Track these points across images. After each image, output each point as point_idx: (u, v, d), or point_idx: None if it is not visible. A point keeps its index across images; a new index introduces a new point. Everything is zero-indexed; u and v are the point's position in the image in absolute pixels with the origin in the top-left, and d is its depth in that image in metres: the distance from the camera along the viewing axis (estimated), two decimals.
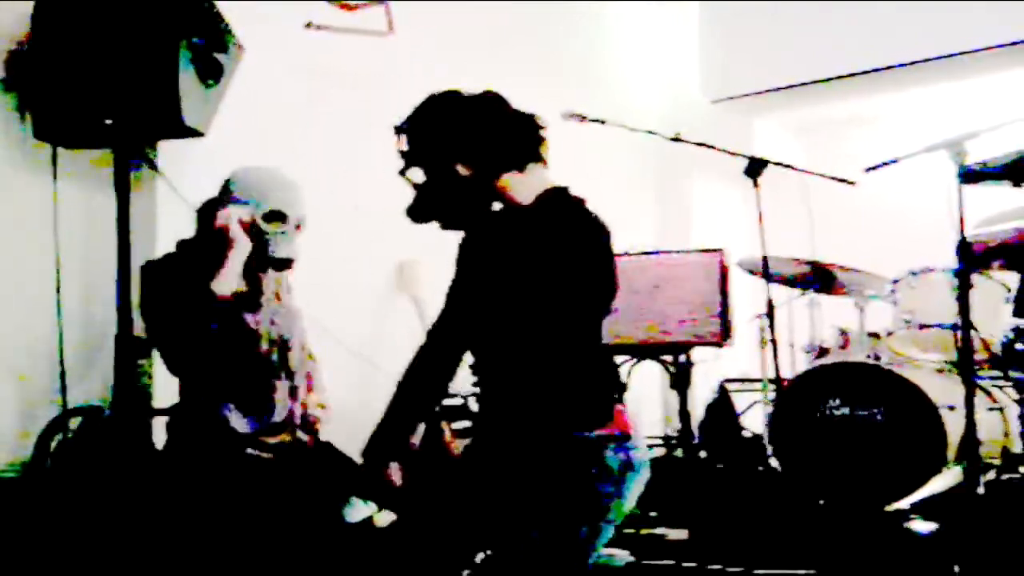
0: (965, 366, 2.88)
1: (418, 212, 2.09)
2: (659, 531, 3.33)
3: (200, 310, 2.37)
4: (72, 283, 3.03)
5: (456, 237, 2.02)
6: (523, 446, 1.94)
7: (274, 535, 2.33)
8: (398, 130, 2.09)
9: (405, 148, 2.08)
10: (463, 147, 2.01)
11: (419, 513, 2.01)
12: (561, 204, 2.02)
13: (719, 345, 4.15)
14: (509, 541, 1.91)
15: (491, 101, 2.06)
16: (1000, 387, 3.71)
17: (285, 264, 2.59)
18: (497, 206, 2.05)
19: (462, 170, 2.01)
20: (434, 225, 2.12)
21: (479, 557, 2.00)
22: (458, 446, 3.60)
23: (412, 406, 2.04)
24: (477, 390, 2.10)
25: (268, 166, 2.61)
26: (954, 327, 3.49)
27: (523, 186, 2.01)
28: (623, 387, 2.09)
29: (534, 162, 2.05)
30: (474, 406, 3.76)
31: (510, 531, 1.91)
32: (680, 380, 4.35)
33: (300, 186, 2.61)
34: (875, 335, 3.87)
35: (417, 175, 2.07)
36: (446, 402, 3.73)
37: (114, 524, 2.46)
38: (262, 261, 2.55)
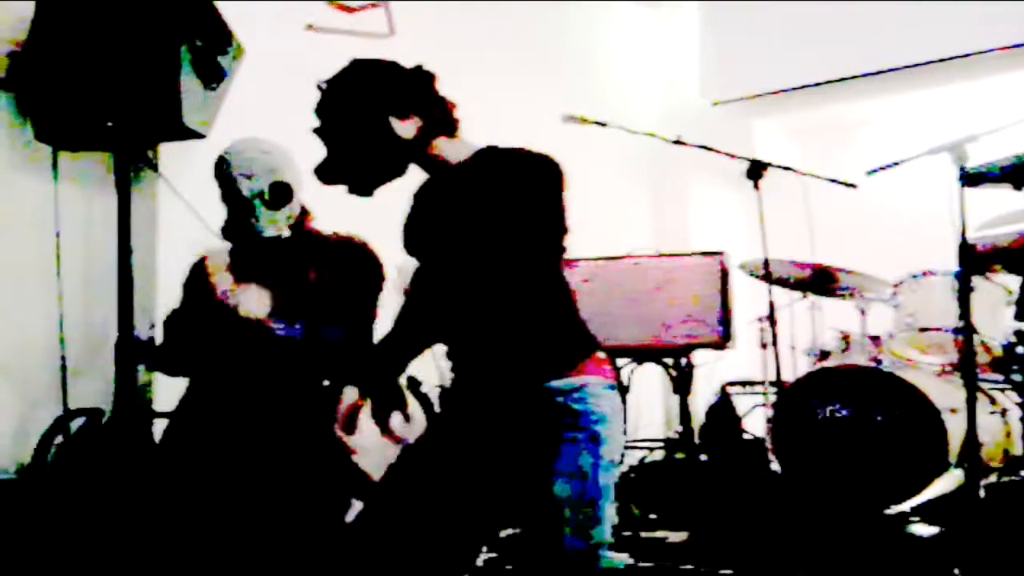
0: (966, 369, 2.88)
1: (330, 172, 2.01)
2: (659, 534, 3.33)
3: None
4: (73, 285, 3.02)
5: None
6: (509, 401, 1.91)
7: (274, 535, 2.33)
8: (321, 87, 2.02)
9: (331, 103, 2.00)
10: (407, 102, 1.97)
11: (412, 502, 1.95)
12: (503, 154, 1.97)
13: (720, 348, 4.15)
14: (530, 506, 1.87)
15: (427, 72, 2.04)
16: (1001, 390, 3.71)
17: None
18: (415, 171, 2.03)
19: (400, 129, 1.96)
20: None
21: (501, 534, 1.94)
22: None
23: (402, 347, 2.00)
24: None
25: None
26: (955, 330, 3.49)
27: (454, 149, 2.00)
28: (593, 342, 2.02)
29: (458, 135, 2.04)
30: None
31: (528, 494, 1.87)
32: (681, 383, 4.34)
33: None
34: (876, 338, 3.87)
35: (334, 136, 2.00)
36: None
37: (114, 525, 2.46)
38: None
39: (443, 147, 2.00)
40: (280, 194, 2.58)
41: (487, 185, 1.89)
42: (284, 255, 2.59)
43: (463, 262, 1.88)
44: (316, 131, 2.01)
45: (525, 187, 1.87)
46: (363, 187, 2.02)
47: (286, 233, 2.61)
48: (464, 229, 1.87)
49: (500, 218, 1.84)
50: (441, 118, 2.01)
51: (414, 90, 1.99)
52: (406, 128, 1.97)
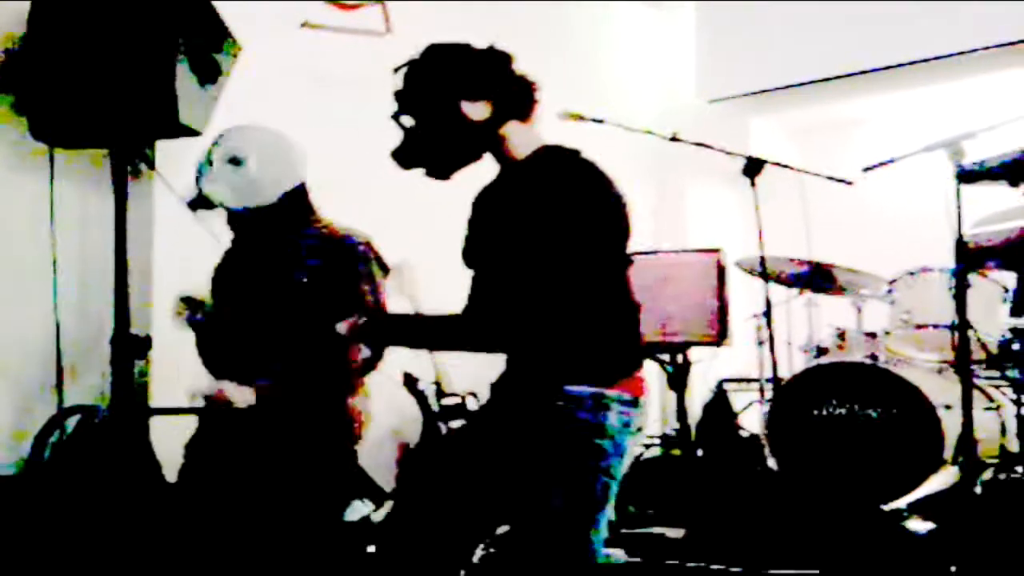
0: (962, 366, 2.88)
1: (407, 156, 2.02)
2: (656, 530, 3.33)
3: None
4: (69, 282, 3.02)
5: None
6: (535, 404, 1.90)
7: (273, 533, 2.33)
8: (399, 70, 2.03)
9: (406, 88, 2.01)
10: (476, 85, 1.96)
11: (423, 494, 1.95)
12: (565, 157, 1.97)
13: (717, 345, 4.15)
14: (525, 507, 1.86)
15: (501, 52, 2.03)
16: (997, 386, 3.72)
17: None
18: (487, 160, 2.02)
19: (471, 111, 1.95)
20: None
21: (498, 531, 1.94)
22: None
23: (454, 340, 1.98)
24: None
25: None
26: (951, 327, 3.49)
27: (522, 139, 1.98)
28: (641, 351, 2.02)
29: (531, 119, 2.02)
30: (473, 404, 3.76)
31: (525, 496, 1.86)
32: (677, 379, 4.34)
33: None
34: (872, 335, 3.87)
35: (410, 120, 2.01)
36: (445, 402, 3.74)
37: (110, 522, 2.46)
38: None
39: (513, 133, 1.98)
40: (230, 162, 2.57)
41: (544, 191, 1.86)
42: (278, 253, 2.58)
43: (519, 269, 1.85)
44: (393, 116, 2.02)
45: (582, 195, 1.88)
46: (439, 171, 2.02)
47: (239, 203, 2.58)
48: (521, 234, 1.85)
49: (556, 225, 1.83)
50: (514, 101, 1.99)
51: (485, 72, 1.98)
52: (476, 110, 1.95)
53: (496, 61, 2.01)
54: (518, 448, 1.89)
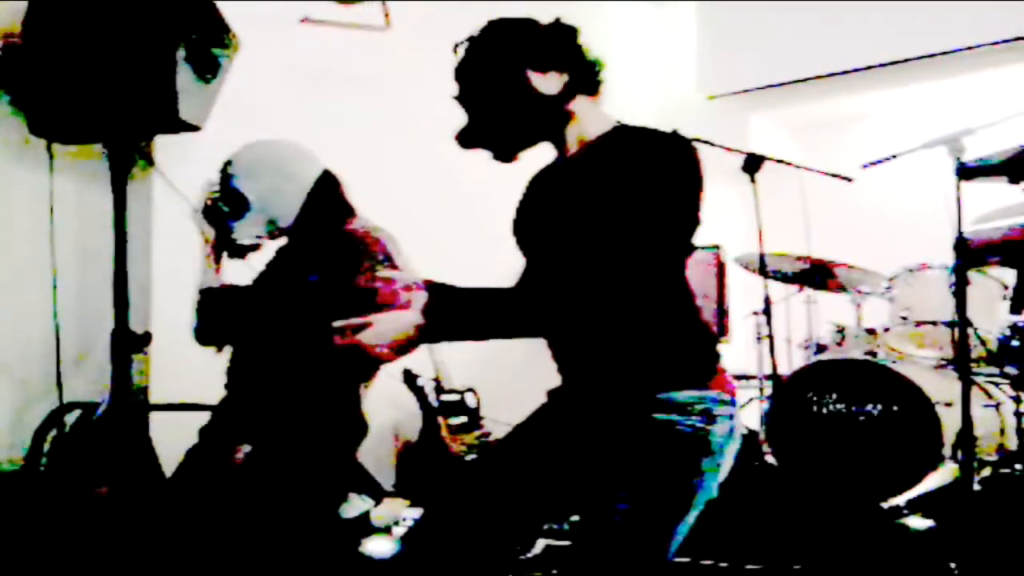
0: (962, 363, 2.88)
1: (471, 136, 1.86)
2: None
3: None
4: (68, 278, 3.02)
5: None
6: (620, 410, 1.73)
7: (271, 529, 2.33)
8: (459, 46, 1.89)
9: (467, 64, 1.87)
10: (546, 56, 1.83)
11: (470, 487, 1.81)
12: (638, 137, 1.80)
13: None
14: (597, 510, 1.71)
15: (568, 25, 1.91)
16: (996, 384, 3.72)
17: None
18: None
19: (541, 84, 1.81)
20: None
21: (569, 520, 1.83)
22: (455, 441, 3.61)
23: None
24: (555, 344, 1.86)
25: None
26: (951, 324, 3.49)
27: (592, 117, 1.86)
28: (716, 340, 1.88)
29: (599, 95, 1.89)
30: (472, 401, 3.76)
31: (599, 500, 1.71)
32: None
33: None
34: (872, 331, 3.87)
35: (472, 97, 1.86)
36: (444, 398, 3.74)
37: (109, 518, 2.46)
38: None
39: (582, 109, 1.85)
40: (234, 204, 2.51)
41: (617, 173, 1.71)
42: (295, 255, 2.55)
43: (581, 255, 1.69)
44: (455, 96, 1.88)
45: (659, 178, 1.69)
46: (505, 151, 1.87)
47: (263, 241, 2.54)
48: (587, 219, 1.71)
49: (628, 210, 1.66)
50: (585, 74, 1.86)
51: (554, 43, 1.86)
52: (547, 82, 1.82)
53: (564, 33, 1.89)
54: (598, 467, 1.72)
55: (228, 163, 2.54)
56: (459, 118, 1.89)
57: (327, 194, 2.54)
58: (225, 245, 2.57)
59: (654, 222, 1.67)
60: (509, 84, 1.82)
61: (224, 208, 2.51)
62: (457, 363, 3.74)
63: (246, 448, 2.34)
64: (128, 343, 2.78)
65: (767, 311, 3.50)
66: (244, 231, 2.52)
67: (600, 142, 1.83)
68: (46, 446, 2.82)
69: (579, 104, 1.85)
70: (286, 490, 2.38)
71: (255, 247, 2.58)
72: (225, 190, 2.51)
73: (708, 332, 1.85)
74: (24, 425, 2.86)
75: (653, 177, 1.68)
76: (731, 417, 1.78)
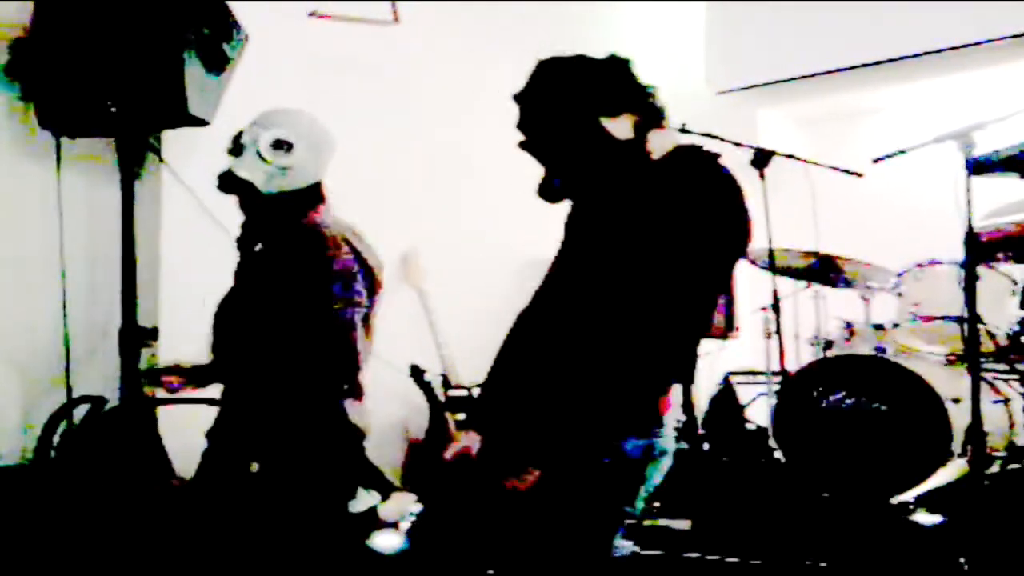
0: (971, 358, 2.87)
1: (553, 190, 1.80)
2: (663, 522, 3.33)
3: None
4: (76, 272, 3.03)
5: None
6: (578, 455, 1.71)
7: (280, 524, 2.33)
8: (518, 98, 1.81)
9: (531, 114, 1.79)
10: (613, 100, 1.77)
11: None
12: (704, 161, 1.78)
13: (723, 337, 4.14)
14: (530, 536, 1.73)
15: (622, 59, 1.85)
16: (1006, 380, 3.70)
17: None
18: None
19: (615, 129, 1.76)
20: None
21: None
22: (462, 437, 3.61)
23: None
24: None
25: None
26: (960, 319, 3.48)
27: (661, 141, 1.81)
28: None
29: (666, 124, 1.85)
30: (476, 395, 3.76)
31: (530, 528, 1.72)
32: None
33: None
34: (880, 327, 3.86)
35: (539, 148, 1.80)
36: (451, 393, 3.74)
37: (118, 512, 2.47)
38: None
39: (654, 141, 1.80)
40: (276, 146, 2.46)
41: (677, 196, 1.69)
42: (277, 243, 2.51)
43: (616, 272, 1.68)
44: (523, 145, 1.81)
45: (717, 208, 1.71)
46: (588, 199, 1.81)
47: (270, 188, 2.45)
48: (635, 237, 1.67)
49: (679, 233, 1.65)
50: (650, 109, 1.82)
51: (617, 83, 1.80)
52: (620, 127, 1.77)
53: (622, 69, 1.83)
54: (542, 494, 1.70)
55: (280, 113, 2.50)
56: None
57: (318, 186, 2.54)
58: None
59: (689, 250, 1.67)
60: (587, 137, 1.76)
61: (247, 144, 2.44)
62: (464, 359, 3.74)
63: (255, 467, 2.33)
64: (136, 336, 2.79)
65: (775, 307, 3.49)
66: (254, 172, 2.44)
67: (657, 165, 1.79)
68: (55, 440, 2.83)
69: (652, 138, 1.81)
70: (295, 497, 2.38)
71: (236, 189, 2.46)
72: (275, 131, 2.46)
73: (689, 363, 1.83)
74: (34, 419, 2.87)
75: (696, 206, 1.69)
76: (661, 443, 1.78)
